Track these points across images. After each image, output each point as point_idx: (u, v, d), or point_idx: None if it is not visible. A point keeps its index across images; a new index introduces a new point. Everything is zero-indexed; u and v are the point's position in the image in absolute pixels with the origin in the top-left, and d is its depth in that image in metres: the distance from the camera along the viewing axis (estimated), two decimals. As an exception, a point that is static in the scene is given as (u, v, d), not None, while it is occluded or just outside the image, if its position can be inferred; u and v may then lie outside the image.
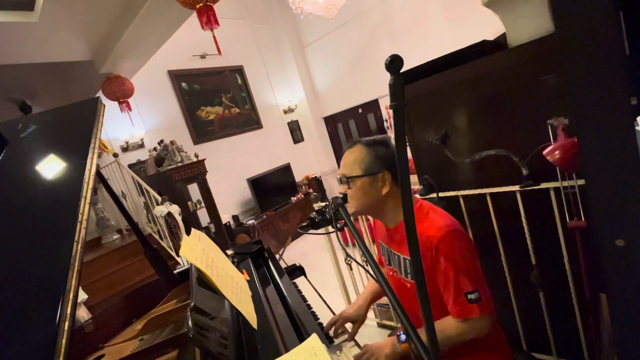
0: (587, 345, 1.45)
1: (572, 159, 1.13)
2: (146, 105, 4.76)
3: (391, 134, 0.87)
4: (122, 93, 3.74)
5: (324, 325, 1.21)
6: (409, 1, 4.99)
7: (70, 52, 3.40)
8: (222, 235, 4.41)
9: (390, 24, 5.30)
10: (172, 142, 4.17)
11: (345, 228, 0.85)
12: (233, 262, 1.51)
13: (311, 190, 6.01)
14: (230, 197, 5.39)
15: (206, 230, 4.34)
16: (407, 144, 1.76)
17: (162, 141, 4.19)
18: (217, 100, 5.58)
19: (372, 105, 6.01)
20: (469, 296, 0.93)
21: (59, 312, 0.76)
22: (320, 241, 3.67)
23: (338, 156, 6.79)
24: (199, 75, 5.40)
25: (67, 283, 0.81)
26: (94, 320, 1.38)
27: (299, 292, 1.35)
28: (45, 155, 1.19)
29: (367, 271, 1.53)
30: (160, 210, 3.38)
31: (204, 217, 4.59)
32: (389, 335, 1.16)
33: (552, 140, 1.24)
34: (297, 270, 1.59)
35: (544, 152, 1.20)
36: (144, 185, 3.67)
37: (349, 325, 1.26)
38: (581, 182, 1.21)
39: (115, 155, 4.09)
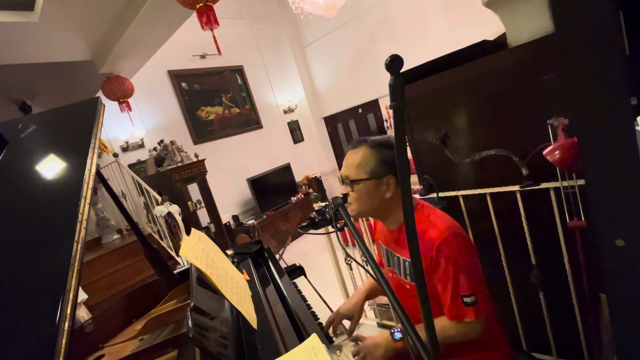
0: (587, 345, 1.45)
1: (572, 159, 1.13)
2: (146, 105, 4.76)
3: (391, 133, 0.87)
4: (122, 93, 3.73)
5: (323, 325, 1.21)
6: (409, 1, 4.99)
7: (70, 52, 3.40)
8: (222, 235, 4.41)
9: (390, 24, 5.30)
10: (172, 142, 4.17)
11: (345, 228, 0.85)
12: (233, 262, 1.51)
13: (311, 190, 6.01)
14: (230, 197, 5.39)
15: (206, 230, 4.34)
16: (407, 144, 1.76)
17: (162, 141, 4.19)
18: (217, 100, 5.58)
19: (372, 105, 6.01)
20: (466, 299, 0.93)
21: (58, 312, 0.76)
22: (320, 241, 3.67)
23: (338, 156, 6.79)
24: (199, 75, 5.40)
25: (67, 283, 0.81)
26: (94, 320, 1.38)
27: (299, 292, 1.35)
28: (45, 155, 1.19)
29: (367, 271, 1.53)
30: (160, 210, 3.38)
31: (204, 217, 4.58)
32: None
33: (552, 140, 1.24)
34: (297, 270, 1.59)
35: (544, 152, 1.20)
36: (144, 185, 3.67)
37: (347, 323, 1.26)
38: (581, 182, 1.21)
39: (115, 155, 4.09)
